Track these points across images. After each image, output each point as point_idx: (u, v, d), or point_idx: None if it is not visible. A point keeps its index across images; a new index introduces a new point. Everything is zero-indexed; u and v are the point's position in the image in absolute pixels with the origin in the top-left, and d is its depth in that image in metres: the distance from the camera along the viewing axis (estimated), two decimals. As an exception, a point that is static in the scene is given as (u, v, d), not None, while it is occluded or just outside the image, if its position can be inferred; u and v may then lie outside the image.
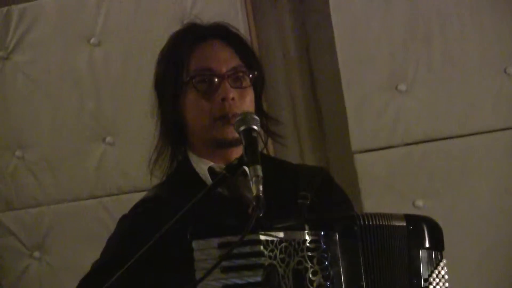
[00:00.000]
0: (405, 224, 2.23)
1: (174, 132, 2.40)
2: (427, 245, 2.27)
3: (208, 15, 2.49)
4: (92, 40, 3.99)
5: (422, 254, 2.28)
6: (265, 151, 2.50)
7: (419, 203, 3.68)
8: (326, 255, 2.08)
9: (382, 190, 3.70)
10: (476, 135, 3.72)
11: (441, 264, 2.29)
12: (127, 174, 3.95)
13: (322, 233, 2.09)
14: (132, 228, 2.35)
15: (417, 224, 2.29)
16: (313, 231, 2.08)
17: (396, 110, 3.72)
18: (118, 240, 2.37)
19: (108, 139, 4.00)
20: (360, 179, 3.71)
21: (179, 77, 2.35)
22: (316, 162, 3.83)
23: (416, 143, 3.72)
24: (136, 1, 3.97)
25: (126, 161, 3.99)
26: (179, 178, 2.39)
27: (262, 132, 2.43)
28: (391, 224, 2.21)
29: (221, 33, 2.40)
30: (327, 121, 3.96)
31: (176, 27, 3.68)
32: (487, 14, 3.76)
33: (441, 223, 3.52)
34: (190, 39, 2.38)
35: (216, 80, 2.30)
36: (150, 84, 3.85)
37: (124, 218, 2.39)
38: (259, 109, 2.40)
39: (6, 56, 4.07)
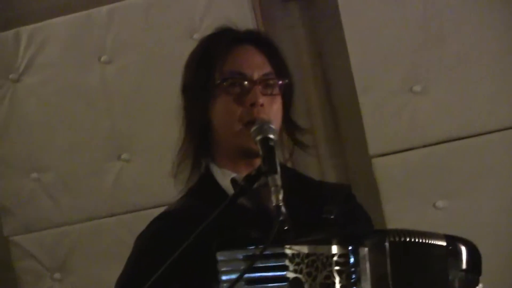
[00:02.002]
0: (444, 243, 2.18)
1: (199, 138, 2.39)
2: (464, 267, 2.22)
3: (213, 23, 2.50)
4: (103, 58, 3.99)
5: (460, 275, 2.23)
6: (288, 162, 2.50)
7: (440, 204, 3.68)
8: (354, 270, 2.09)
9: (402, 193, 3.69)
10: (494, 133, 3.71)
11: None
12: (144, 190, 3.94)
13: (350, 247, 2.08)
14: (149, 247, 2.35)
15: (457, 245, 2.22)
16: (342, 245, 2.08)
17: (412, 112, 3.72)
18: (134, 261, 2.37)
19: (124, 156, 4.00)
20: (379, 183, 3.70)
21: (210, 79, 2.34)
22: (334, 168, 3.86)
23: (434, 144, 3.71)
24: (145, 16, 3.97)
25: (143, 177, 3.98)
26: (201, 191, 2.38)
27: (287, 140, 2.45)
28: (427, 242, 2.17)
29: (256, 39, 2.40)
30: (343, 126, 3.96)
31: (186, 40, 3.80)
32: (500, 13, 3.76)
33: (463, 223, 3.68)
34: (225, 41, 2.37)
35: (247, 84, 2.30)
36: (162, 99, 3.86)
37: (140, 237, 2.39)
38: (287, 118, 2.40)
39: (17, 78, 4.08)
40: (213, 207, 2.12)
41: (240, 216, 2.22)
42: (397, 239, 2.13)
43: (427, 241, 2.17)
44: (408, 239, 2.14)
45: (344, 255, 2.06)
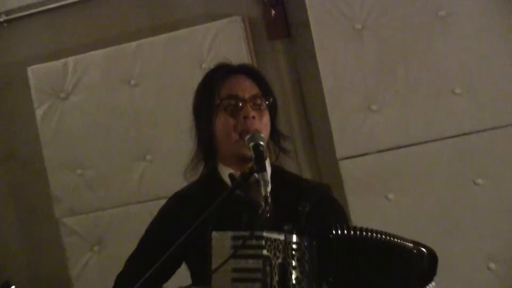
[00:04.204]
0: (411, 245, 2.17)
1: (206, 146, 2.40)
2: (424, 267, 2.22)
3: (220, 58, 2.51)
4: (131, 82, 4.02)
5: (418, 274, 2.21)
6: (274, 161, 2.48)
7: (391, 196, 3.68)
8: (305, 256, 2.08)
9: (361, 188, 3.71)
10: (431, 142, 3.69)
11: (430, 285, 2.23)
12: (163, 183, 3.91)
13: (304, 238, 2.08)
14: (165, 216, 2.41)
15: (420, 248, 2.21)
16: (299, 235, 2.07)
17: (370, 125, 3.72)
18: (152, 225, 2.44)
19: (148, 157, 4.03)
20: (344, 180, 3.71)
21: (212, 101, 2.34)
22: (309, 169, 3.88)
23: (387, 150, 3.71)
24: (164, 50, 3.99)
25: (161, 174, 3.98)
26: (208, 181, 2.39)
27: (273, 147, 2.46)
28: (388, 241, 2.15)
29: (245, 69, 2.42)
30: (316, 136, 3.95)
31: (196, 68, 3.83)
32: (437, 46, 3.71)
33: (407, 213, 3.68)
34: (221, 73, 2.39)
35: (240, 103, 2.31)
36: (178, 113, 3.89)
37: (163, 207, 2.43)
38: (273, 128, 2.41)
39: (66, 97, 4.10)
40: (214, 194, 2.15)
41: (235, 204, 2.20)
42: (340, 233, 2.10)
43: (388, 240, 2.15)
44: (350, 235, 2.12)
45: (299, 244, 2.07)
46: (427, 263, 2.18)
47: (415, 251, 2.17)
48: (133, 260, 2.42)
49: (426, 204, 3.67)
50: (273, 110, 2.40)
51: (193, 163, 2.45)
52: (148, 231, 2.44)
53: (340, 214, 2.43)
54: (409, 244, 2.17)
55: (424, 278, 2.19)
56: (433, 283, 2.19)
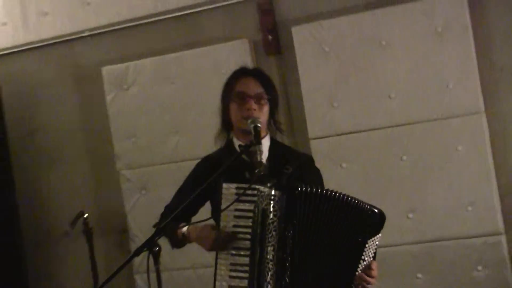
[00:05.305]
0: (368, 206, 2.12)
1: (226, 123, 2.41)
2: (374, 222, 2.13)
3: (233, 66, 2.54)
4: (171, 81, 4.14)
5: (367, 229, 2.13)
6: (274, 136, 2.45)
7: (344, 165, 3.81)
8: (279, 204, 2.09)
9: (324, 159, 3.76)
10: (373, 130, 3.71)
11: (376, 237, 2.19)
12: (188, 150, 4.02)
13: (280, 192, 2.10)
14: (197, 172, 2.44)
15: (372, 208, 2.15)
16: (278, 190, 2.10)
17: (332, 116, 3.84)
18: (188, 177, 2.47)
19: (179, 132, 4.10)
20: (313, 154, 3.68)
21: (230, 94, 2.37)
22: (289, 144, 3.39)
23: (342, 134, 3.81)
24: (194, 60, 4.06)
25: (188, 144, 4.08)
26: (226, 148, 2.40)
27: (273, 128, 2.43)
28: (328, 197, 2.10)
29: (255, 72, 2.44)
30: (295, 122, 3.98)
31: (217, 72, 3.81)
32: (379, 64, 3.71)
33: (354, 177, 3.72)
34: (238, 74, 2.42)
35: (246, 98, 2.32)
36: (201, 103, 3.94)
37: (196, 165, 2.46)
38: (272, 116, 2.41)
39: (127, 88, 4.22)
40: (228, 157, 2.23)
41: (241, 164, 2.26)
42: (305, 191, 2.09)
43: (326, 196, 2.10)
44: (312, 193, 2.08)
45: (275, 196, 2.09)
46: (375, 219, 2.17)
47: (367, 209, 2.16)
48: (175, 198, 2.46)
49: (368, 171, 3.82)
50: (273, 103, 2.41)
51: (218, 135, 2.44)
52: (186, 180, 2.48)
53: (316, 176, 2.42)
54: (362, 203, 2.16)
55: (372, 231, 2.19)
56: (379, 234, 2.21)
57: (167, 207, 2.45)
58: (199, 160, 2.48)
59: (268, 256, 2.06)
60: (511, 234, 3.62)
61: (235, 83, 2.37)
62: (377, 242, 2.21)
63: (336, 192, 2.14)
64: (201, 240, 2.21)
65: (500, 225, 3.58)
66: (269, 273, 2.06)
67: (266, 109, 2.34)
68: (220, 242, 2.11)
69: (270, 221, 2.06)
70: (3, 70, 4.44)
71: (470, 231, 3.61)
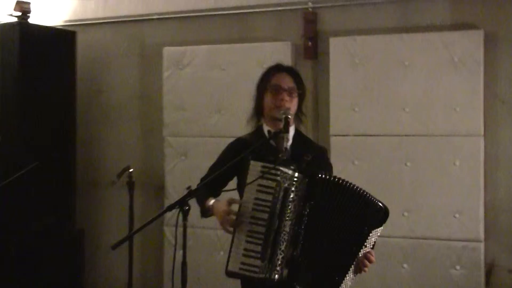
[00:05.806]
0: (359, 194, 2.16)
1: (258, 110, 2.46)
2: (379, 218, 2.17)
3: (273, 61, 2.65)
4: (221, 67, 4.29)
5: (372, 221, 2.17)
6: (297, 127, 2.51)
7: (356, 162, 3.94)
8: (301, 186, 2.13)
9: (340, 154, 3.93)
10: (386, 136, 3.84)
11: (379, 229, 2.25)
12: (229, 129, 4.16)
13: (301, 175, 2.15)
14: (229, 150, 2.49)
15: (379, 204, 2.19)
16: (299, 173, 2.15)
17: (352, 119, 3.99)
18: (222, 154, 2.52)
19: (222, 112, 4.31)
20: (332, 149, 3.92)
21: (265, 85, 2.43)
22: (313, 138, 3.52)
23: (358, 135, 3.94)
24: (243, 53, 4.23)
25: (228, 122, 4.25)
26: (256, 132, 2.46)
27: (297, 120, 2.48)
28: (345, 187, 2.14)
29: (289, 69, 2.49)
30: (320, 119, 4.15)
31: (260, 66, 3.49)
32: (398, 81, 3.84)
33: (364, 175, 3.83)
34: (274, 69, 2.48)
35: (280, 90, 2.38)
36: (243, 89, 3.86)
37: (229, 144, 2.52)
38: (299, 108, 2.46)
39: (182, 68, 4.42)
40: (257, 140, 2.30)
41: (269, 148, 2.31)
42: (324, 178, 2.13)
43: (344, 186, 2.13)
44: (330, 180, 2.11)
45: (298, 178, 2.14)
46: (381, 214, 2.21)
47: (376, 204, 2.18)
48: (209, 171, 2.49)
49: (375, 171, 3.93)
50: (301, 97, 2.45)
51: (250, 120, 2.49)
52: (219, 157, 2.51)
53: (328, 167, 2.48)
54: (373, 197, 2.18)
55: (376, 224, 2.22)
56: (381, 228, 2.23)
57: (201, 180, 2.46)
58: (233, 139, 2.52)
59: (286, 229, 2.11)
60: (489, 243, 3.79)
61: (271, 76, 2.43)
62: (378, 234, 2.25)
63: (351, 183, 2.19)
64: (218, 216, 2.26)
65: (481, 234, 3.76)
66: (284, 243, 2.12)
67: (295, 101, 2.41)
68: (232, 224, 2.17)
69: (291, 199, 2.11)
70: (83, 37, 4.71)
71: (454, 235, 3.78)
